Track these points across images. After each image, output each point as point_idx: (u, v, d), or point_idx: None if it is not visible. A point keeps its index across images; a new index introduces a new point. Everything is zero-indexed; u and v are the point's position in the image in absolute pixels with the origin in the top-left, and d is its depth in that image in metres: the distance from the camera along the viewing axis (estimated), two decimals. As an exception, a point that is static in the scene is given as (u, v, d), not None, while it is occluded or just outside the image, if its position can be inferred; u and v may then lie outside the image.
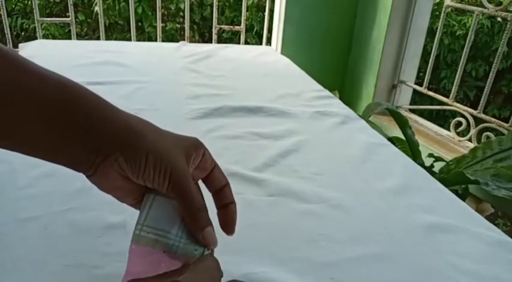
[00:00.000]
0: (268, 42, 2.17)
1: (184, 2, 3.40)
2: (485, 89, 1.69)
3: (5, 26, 1.82)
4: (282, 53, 1.95)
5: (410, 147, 1.54)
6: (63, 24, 4.25)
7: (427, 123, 1.94)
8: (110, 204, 0.41)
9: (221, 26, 2.19)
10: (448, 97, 1.86)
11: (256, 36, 4.34)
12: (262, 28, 3.43)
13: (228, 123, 0.85)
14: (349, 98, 2.20)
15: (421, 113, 2.47)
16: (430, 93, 1.97)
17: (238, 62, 1.29)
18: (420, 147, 1.56)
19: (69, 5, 1.85)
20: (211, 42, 2.23)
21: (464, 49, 1.76)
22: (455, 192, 1.08)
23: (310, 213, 0.58)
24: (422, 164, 1.41)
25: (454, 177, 1.30)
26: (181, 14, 4.43)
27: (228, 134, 0.80)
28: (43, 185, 0.58)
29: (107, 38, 3.53)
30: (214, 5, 2.09)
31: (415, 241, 0.55)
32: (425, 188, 0.69)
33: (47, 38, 3.63)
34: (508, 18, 1.55)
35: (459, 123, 1.78)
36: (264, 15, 2.69)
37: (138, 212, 0.36)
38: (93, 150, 0.33)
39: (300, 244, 0.52)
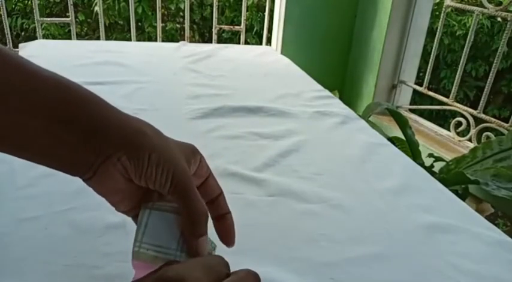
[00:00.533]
0: (268, 42, 2.17)
1: (184, 2, 3.41)
2: (485, 89, 1.69)
3: (5, 26, 1.82)
4: (282, 53, 1.95)
5: (410, 147, 1.54)
6: (63, 24, 4.26)
7: (427, 123, 1.94)
8: (110, 204, 0.40)
9: (221, 26, 2.19)
10: (448, 97, 1.86)
11: (256, 36, 4.34)
12: (262, 28, 3.43)
13: (228, 123, 0.85)
14: (349, 98, 2.20)
15: (421, 113, 2.48)
16: (430, 93, 1.97)
17: (238, 62, 1.29)
18: (420, 147, 1.56)
19: (69, 5, 1.85)
20: (211, 42, 2.23)
21: (464, 49, 1.76)
22: (455, 192, 1.08)
23: (310, 213, 0.58)
24: (422, 164, 1.41)
25: (454, 177, 1.30)
26: (181, 14, 4.44)
27: (228, 134, 0.80)
28: (43, 185, 0.58)
29: (107, 38, 3.53)
30: (214, 5, 2.09)
31: (415, 241, 0.55)
32: (425, 188, 0.69)
33: (47, 38, 3.63)
34: (508, 18, 1.55)
35: (459, 123, 1.78)
36: (264, 15, 2.69)
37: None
38: (93, 151, 0.32)
39: (300, 244, 0.52)
